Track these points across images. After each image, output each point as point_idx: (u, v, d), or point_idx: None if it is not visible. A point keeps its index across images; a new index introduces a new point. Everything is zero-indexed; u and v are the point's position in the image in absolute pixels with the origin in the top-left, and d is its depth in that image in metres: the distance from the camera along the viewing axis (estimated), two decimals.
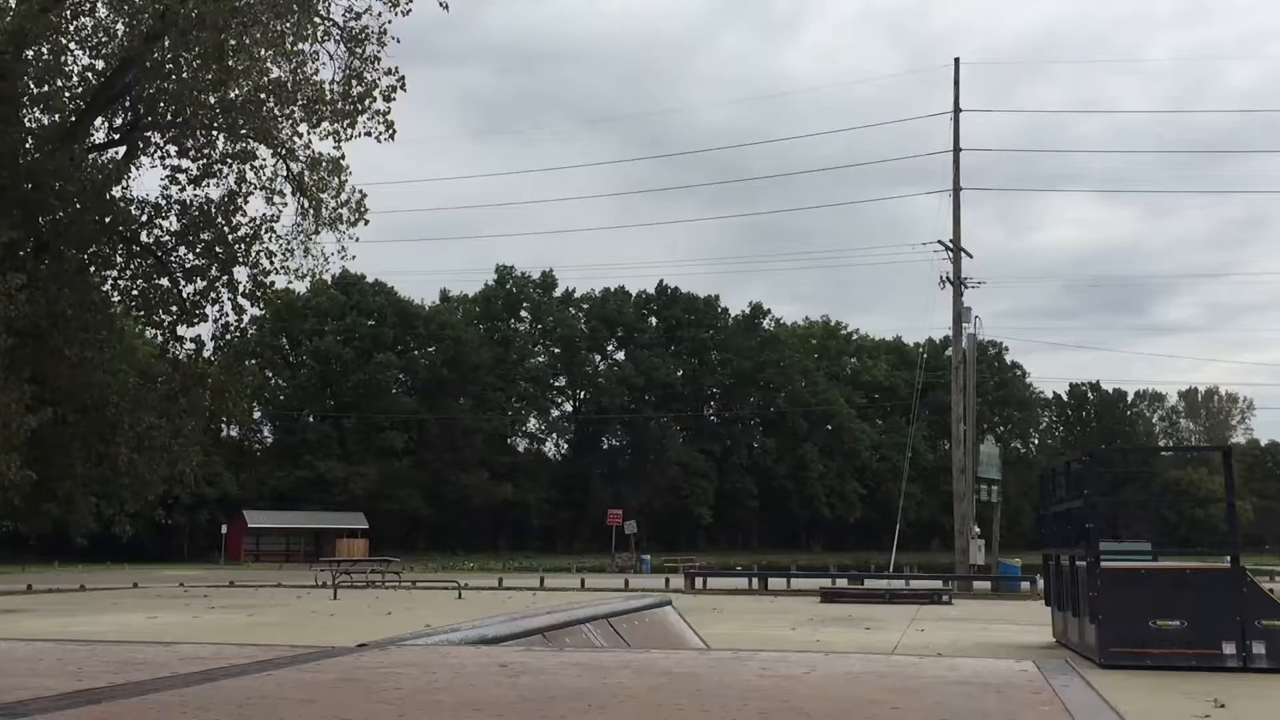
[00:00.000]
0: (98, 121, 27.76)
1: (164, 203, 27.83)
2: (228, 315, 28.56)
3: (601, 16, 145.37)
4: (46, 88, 25.81)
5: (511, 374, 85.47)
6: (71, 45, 26.12)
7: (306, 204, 28.37)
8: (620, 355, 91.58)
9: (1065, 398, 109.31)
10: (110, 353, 27.43)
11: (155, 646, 2.38)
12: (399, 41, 27.52)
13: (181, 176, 27.57)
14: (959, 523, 34.43)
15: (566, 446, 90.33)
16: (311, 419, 77.92)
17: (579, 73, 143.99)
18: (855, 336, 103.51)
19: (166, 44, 25.81)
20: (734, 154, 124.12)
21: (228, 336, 28.96)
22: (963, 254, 35.57)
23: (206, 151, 27.70)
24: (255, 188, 28.09)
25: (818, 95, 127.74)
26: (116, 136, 28.16)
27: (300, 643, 2.62)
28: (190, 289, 28.28)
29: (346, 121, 27.21)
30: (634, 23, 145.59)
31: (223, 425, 41.81)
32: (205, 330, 28.97)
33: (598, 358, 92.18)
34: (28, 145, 26.00)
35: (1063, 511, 13.01)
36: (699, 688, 1.77)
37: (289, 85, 26.80)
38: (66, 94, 26.32)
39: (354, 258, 30.33)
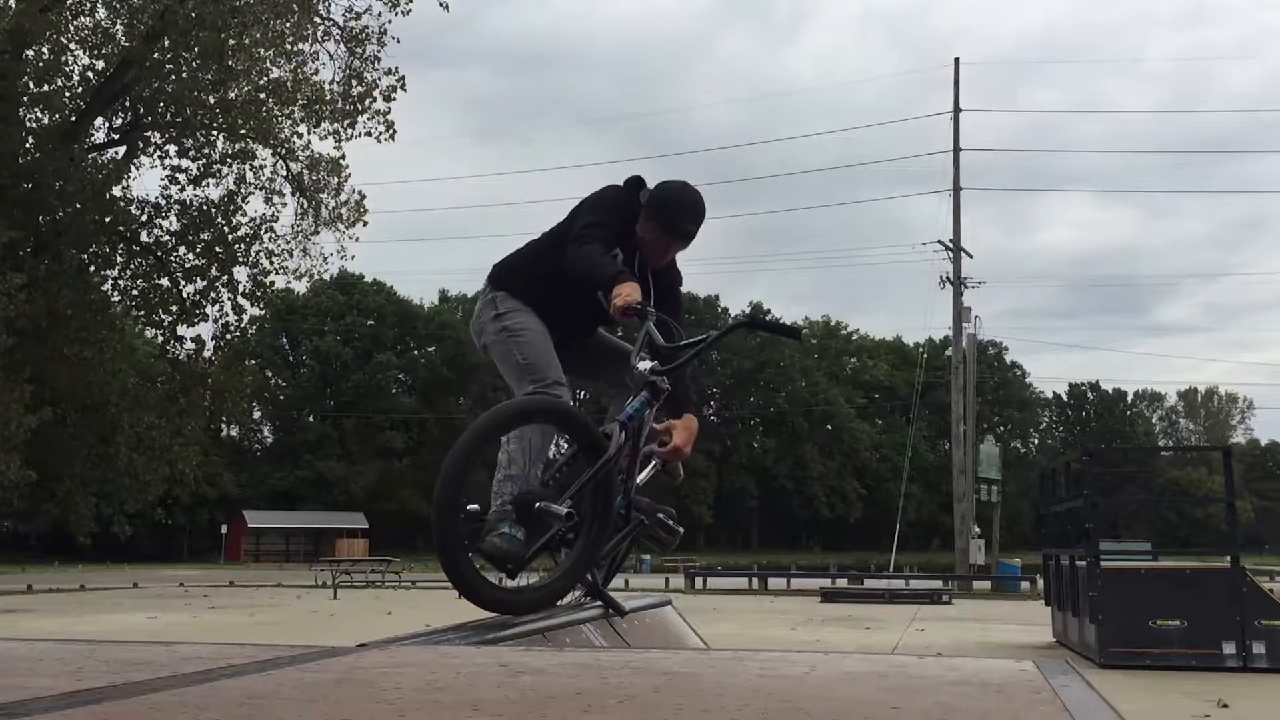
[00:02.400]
0: (98, 121, 27.78)
1: (164, 203, 27.84)
2: (228, 315, 28.58)
3: (602, 19, 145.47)
4: (46, 87, 25.81)
5: None
6: (72, 45, 26.12)
7: (306, 204, 28.41)
8: None
9: (1065, 398, 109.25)
10: (110, 353, 27.43)
11: (155, 646, 2.38)
12: (399, 42, 27.57)
13: (181, 176, 27.59)
14: (959, 523, 34.43)
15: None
16: (311, 419, 77.90)
17: (579, 75, 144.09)
18: (855, 336, 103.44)
19: (166, 44, 25.81)
20: (734, 154, 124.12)
21: (228, 336, 28.96)
22: (963, 254, 35.59)
23: (206, 151, 27.71)
24: (255, 188, 28.11)
25: (818, 96, 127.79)
26: (116, 136, 28.18)
27: (300, 643, 2.62)
28: (190, 289, 28.30)
29: (346, 121, 27.24)
30: (634, 25, 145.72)
31: (223, 425, 41.79)
32: (205, 330, 28.98)
33: None
34: (28, 145, 26.00)
35: (1063, 511, 13.01)
36: (699, 687, 1.77)
37: (289, 85, 26.81)
38: (66, 94, 26.32)
39: (353, 258, 30.45)
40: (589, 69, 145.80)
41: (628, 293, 3.62)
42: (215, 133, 27.59)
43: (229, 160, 27.84)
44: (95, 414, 27.49)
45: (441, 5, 26.44)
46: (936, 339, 67.34)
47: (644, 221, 3.93)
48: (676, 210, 3.93)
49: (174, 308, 28.36)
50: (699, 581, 29.03)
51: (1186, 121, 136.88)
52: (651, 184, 4.01)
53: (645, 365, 3.74)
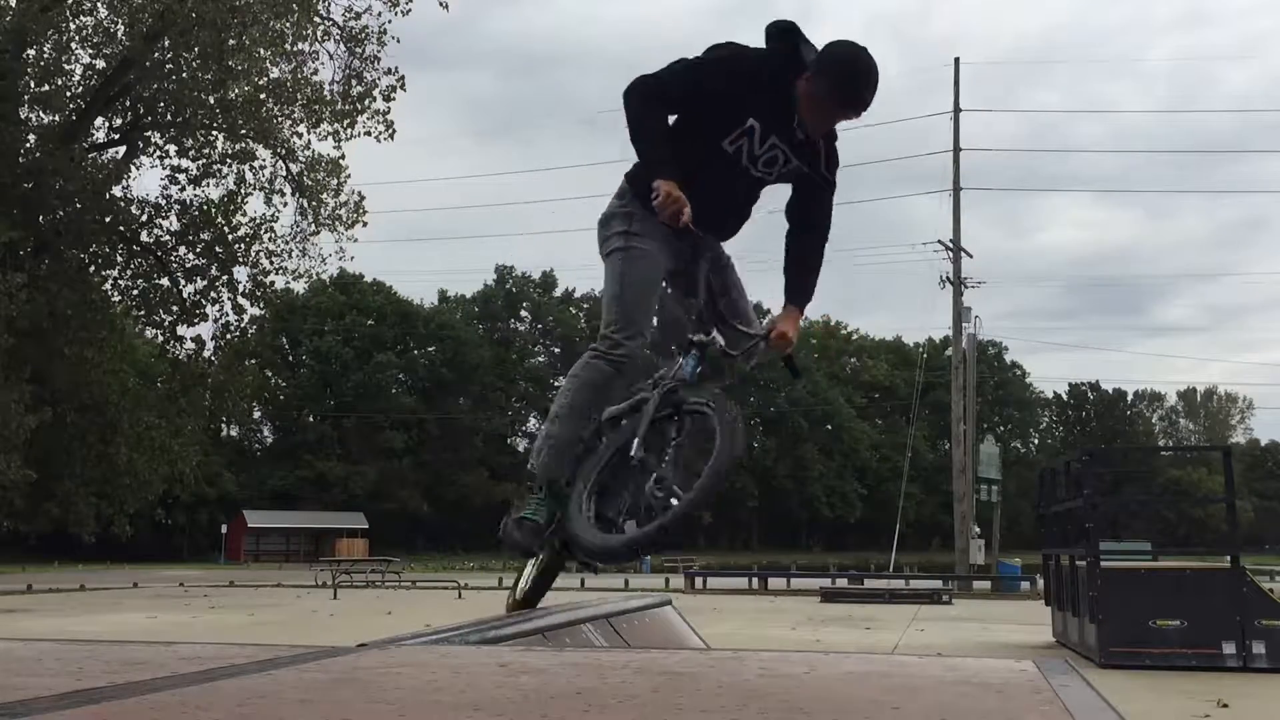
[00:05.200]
0: (98, 121, 27.81)
1: (164, 203, 27.87)
2: (228, 315, 28.60)
3: (603, 22, 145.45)
4: (47, 87, 25.83)
5: (511, 374, 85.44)
6: (73, 45, 26.15)
7: (305, 204, 28.42)
8: None
9: (1065, 398, 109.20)
10: (110, 353, 27.44)
11: (155, 646, 2.38)
12: (399, 41, 27.57)
13: (181, 176, 27.63)
14: (959, 523, 34.41)
15: None
16: (311, 419, 77.89)
17: (580, 75, 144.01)
18: (855, 336, 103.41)
19: (166, 44, 25.82)
20: None
21: (228, 336, 28.98)
22: (963, 254, 35.59)
23: (206, 151, 27.74)
24: (255, 188, 28.13)
25: None
26: (116, 136, 28.21)
27: (300, 643, 2.62)
28: (190, 289, 28.33)
29: (346, 121, 27.25)
30: (635, 26, 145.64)
31: (223, 425, 41.78)
32: (205, 330, 28.99)
33: None
34: (29, 144, 26.02)
35: (1063, 511, 13.01)
36: (699, 688, 1.77)
37: (289, 85, 26.82)
38: (67, 93, 26.34)
39: (352, 258, 30.44)
40: (589, 70, 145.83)
41: (675, 201, 3.31)
42: (215, 133, 27.62)
43: (229, 160, 27.87)
44: (95, 414, 27.51)
45: (441, 5, 26.47)
46: (936, 339, 67.33)
47: (808, 79, 3.44)
48: (855, 71, 3.43)
49: (174, 308, 28.37)
50: (699, 581, 29.01)
51: (1186, 122, 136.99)
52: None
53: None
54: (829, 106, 3.45)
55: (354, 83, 27.21)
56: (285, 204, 28.63)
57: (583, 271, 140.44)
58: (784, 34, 3.54)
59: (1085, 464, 12.44)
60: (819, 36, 3.55)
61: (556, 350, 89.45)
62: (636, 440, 3.50)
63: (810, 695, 1.68)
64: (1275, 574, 28.78)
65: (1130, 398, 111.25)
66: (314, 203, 28.22)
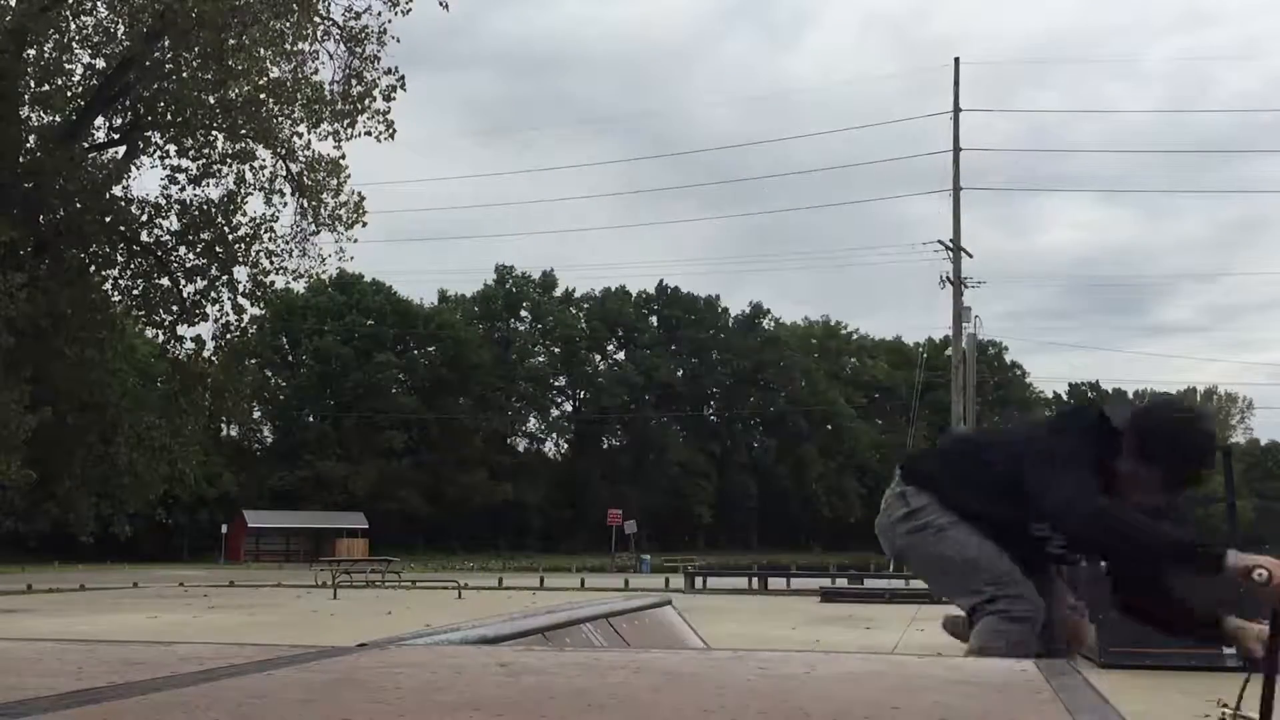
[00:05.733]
0: (98, 121, 27.83)
1: (164, 203, 27.91)
2: (228, 315, 28.64)
3: (604, 23, 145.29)
4: (47, 87, 25.86)
5: (511, 374, 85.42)
6: (73, 45, 26.19)
7: (305, 204, 28.44)
8: (620, 355, 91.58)
9: (1065, 398, 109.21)
10: (110, 352, 27.47)
11: (155, 646, 2.38)
12: (399, 41, 27.61)
13: (181, 176, 27.67)
14: None
15: (566, 446, 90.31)
16: (311, 419, 77.89)
17: (580, 76, 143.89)
18: (855, 336, 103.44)
19: (166, 44, 25.85)
20: (735, 156, 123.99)
21: (228, 336, 29.01)
22: (963, 254, 35.61)
23: (206, 151, 27.77)
24: (255, 188, 28.17)
25: (819, 97, 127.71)
26: (116, 136, 28.23)
27: (300, 643, 2.62)
28: (190, 289, 28.36)
29: (346, 121, 27.29)
30: (635, 26, 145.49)
31: (223, 425, 41.81)
32: (205, 330, 29.02)
33: (598, 358, 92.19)
34: (29, 144, 26.05)
35: None
36: (699, 688, 1.77)
37: (289, 85, 26.85)
38: (67, 93, 26.37)
39: (352, 259, 30.46)
40: (590, 70, 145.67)
41: None
42: (215, 133, 27.65)
43: (229, 160, 27.90)
44: (95, 414, 27.53)
45: (441, 5, 26.49)
46: (936, 339, 67.41)
47: (1130, 456, 3.14)
48: (1192, 452, 3.08)
49: (174, 308, 28.40)
50: (699, 581, 29.01)
51: (1186, 122, 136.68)
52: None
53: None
54: (1156, 486, 3.17)
55: (354, 82, 27.26)
56: (285, 204, 28.69)
57: (583, 271, 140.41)
58: (1099, 420, 3.32)
59: None
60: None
61: (556, 350, 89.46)
62: None
63: (810, 695, 1.68)
64: None
65: (1130, 398, 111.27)
66: (314, 203, 28.25)
